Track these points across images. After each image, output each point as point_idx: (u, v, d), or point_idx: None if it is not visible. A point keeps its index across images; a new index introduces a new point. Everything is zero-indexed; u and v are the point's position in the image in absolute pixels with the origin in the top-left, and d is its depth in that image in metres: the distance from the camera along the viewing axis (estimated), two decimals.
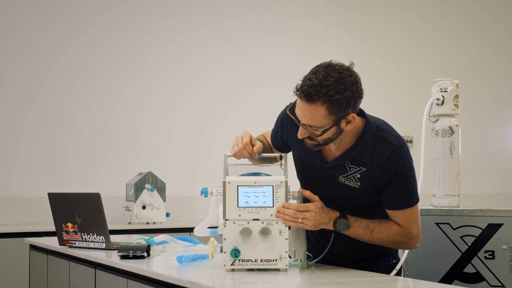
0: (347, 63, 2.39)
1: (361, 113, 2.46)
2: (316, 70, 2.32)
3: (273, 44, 6.48)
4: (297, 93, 2.33)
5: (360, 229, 2.42)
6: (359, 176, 2.45)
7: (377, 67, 6.87)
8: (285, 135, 2.65)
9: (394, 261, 2.66)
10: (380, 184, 2.44)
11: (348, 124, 2.36)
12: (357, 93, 2.33)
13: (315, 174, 2.55)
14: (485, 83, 7.38)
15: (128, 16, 6.01)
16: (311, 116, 2.32)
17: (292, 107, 2.43)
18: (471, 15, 7.43)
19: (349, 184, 2.47)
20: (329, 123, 2.33)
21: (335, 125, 2.34)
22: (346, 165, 2.46)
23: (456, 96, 3.01)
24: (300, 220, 2.32)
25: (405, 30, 7.11)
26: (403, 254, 2.60)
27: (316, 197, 2.39)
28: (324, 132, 2.34)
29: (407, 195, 2.45)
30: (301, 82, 2.33)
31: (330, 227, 2.39)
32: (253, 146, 2.54)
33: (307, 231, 2.61)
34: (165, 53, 6.13)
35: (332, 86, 2.27)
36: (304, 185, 2.63)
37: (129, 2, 6.03)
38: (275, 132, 2.72)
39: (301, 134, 2.40)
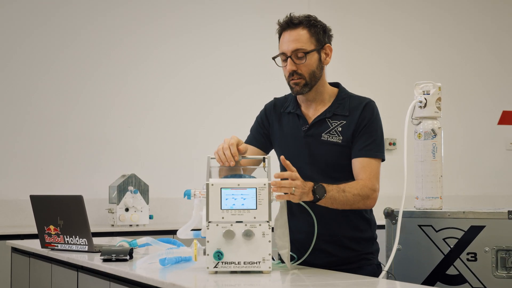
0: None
1: (336, 85, 2.80)
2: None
3: (255, 46, 6.47)
4: (281, 27, 2.70)
5: (334, 192, 2.51)
6: (340, 129, 2.68)
7: (359, 69, 6.89)
8: (267, 123, 2.83)
9: (380, 263, 2.73)
10: (355, 132, 2.67)
11: (327, 57, 2.71)
12: (328, 28, 2.73)
13: (299, 142, 2.72)
14: (466, 85, 7.43)
15: (114, 20, 6.00)
16: (297, 38, 2.65)
17: (274, 56, 2.74)
18: (454, 17, 7.47)
19: (332, 140, 2.67)
20: (312, 47, 2.66)
21: (316, 50, 2.67)
22: (327, 121, 2.70)
23: (439, 99, 3.02)
24: (293, 190, 2.36)
25: (387, 31, 7.14)
26: (390, 256, 2.60)
27: (294, 168, 2.44)
28: (311, 51, 2.64)
29: (375, 145, 2.68)
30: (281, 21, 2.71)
31: (310, 196, 2.44)
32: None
33: (292, 228, 2.63)
34: (148, 57, 6.12)
35: (307, 16, 2.71)
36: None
37: (113, 9, 6.01)
38: (254, 132, 2.87)
39: (290, 66, 2.65)
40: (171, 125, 6.15)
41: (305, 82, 2.67)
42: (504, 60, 7.67)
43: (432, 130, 3.00)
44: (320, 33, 2.67)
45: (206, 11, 6.34)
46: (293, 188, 2.36)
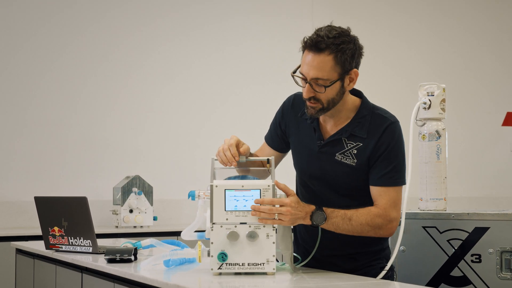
0: None
1: (359, 95, 2.61)
2: (319, 29, 2.45)
3: (258, 47, 6.48)
4: (305, 45, 2.44)
5: (338, 219, 2.42)
6: (355, 152, 2.52)
7: (363, 70, 6.87)
8: (284, 124, 2.70)
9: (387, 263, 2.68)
10: (372, 157, 2.50)
11: (351, 82, 2.49)
12: (359, 49, 2.49)
13: (312, 154, 2.59)
14: (469, 86, 7.42)
15: (116, 21, 6.00)
16: (319, 66, 2.41)
17: (294, 70, 2.49)
18: (457, 19, 7.46)
19: (346, 161, 2.53)
20: (335, 76, 2.43)
21: (340, 79, 2.44)
22: (343, 141, 2.54)
23: (443, 100, 3.02)
24: (276, 217, 2.28)
25: (392, 32, 7.13)
26: (391, 257, 2.60)
27: (291, 191, 2.37)
28: (332, 83, 2.42)
29: (395, 171, 2.51)
30: (307, 38, 2.44)
31: (307, 221, 2.38)
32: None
33: (297, 231, 2.61)
34: (150, 59, 6.12)
35: (338, 36, 2.42)
36: (300, 170, 2.68)
37: (114, 10, 6.01)
38: (272, 132, 2.77)
39: (307, 92, 2.46)
40: (174, 126, 6.15)
41: (322, 107, 2.48)
42: (507, 61, 7.65)
43: (437, 131, 3.00)
44: (347, 60, 2.43)
45: (208, 12, 6.34)
46: (276, 215, 2.27)
